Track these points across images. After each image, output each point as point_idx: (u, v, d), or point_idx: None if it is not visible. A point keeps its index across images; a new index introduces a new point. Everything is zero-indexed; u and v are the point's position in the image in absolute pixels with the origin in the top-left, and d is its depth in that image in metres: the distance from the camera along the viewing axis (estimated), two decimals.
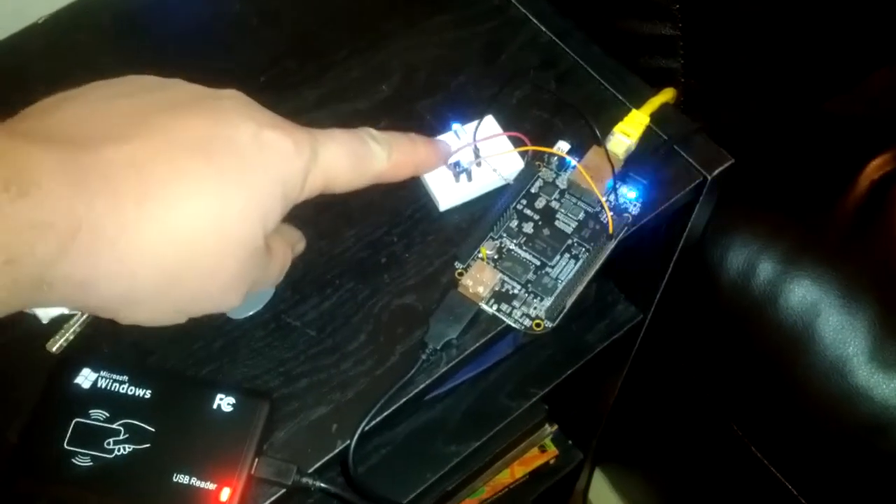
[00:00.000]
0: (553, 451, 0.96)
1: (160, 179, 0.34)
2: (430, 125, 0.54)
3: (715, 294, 0.64)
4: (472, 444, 0.62)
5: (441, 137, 0.51)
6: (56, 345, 0.45)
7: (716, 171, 0.51)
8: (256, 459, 0.42)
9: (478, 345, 0.47)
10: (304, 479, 0.42)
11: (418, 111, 0.55)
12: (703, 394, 0.72)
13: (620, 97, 0.54)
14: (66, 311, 0.45)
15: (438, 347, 0.46)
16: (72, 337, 0.45)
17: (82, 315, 0.46)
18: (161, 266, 0.34)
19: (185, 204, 0.34)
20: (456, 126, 0.52)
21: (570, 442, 0.97)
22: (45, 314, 0.45)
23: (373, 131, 0.42)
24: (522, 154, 0.51)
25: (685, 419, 0.79)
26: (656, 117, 0.52)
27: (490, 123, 0.52)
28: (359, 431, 0.44)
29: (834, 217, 0.62)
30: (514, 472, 0.94)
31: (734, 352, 0.66)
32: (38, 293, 0.32)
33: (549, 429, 0.93)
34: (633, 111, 0.52)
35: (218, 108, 0.37)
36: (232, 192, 0.35)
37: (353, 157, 0.40)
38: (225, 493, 0.41)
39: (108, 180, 0.32)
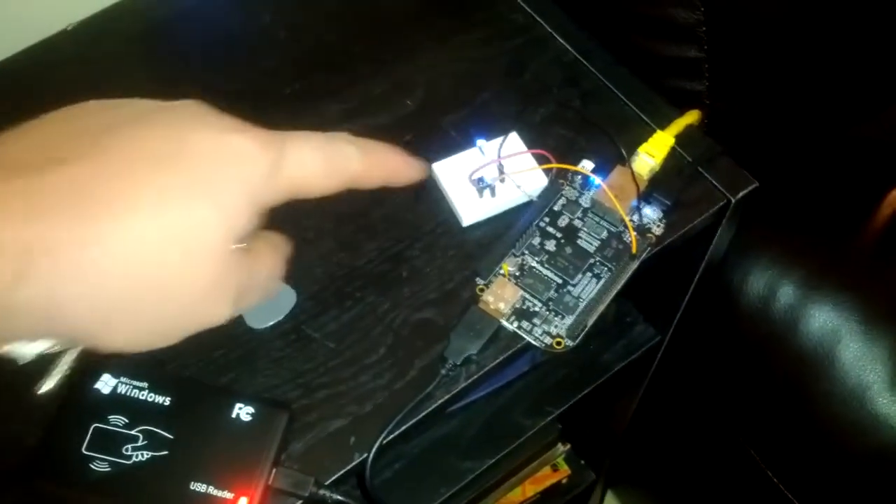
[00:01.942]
0: (565, 470, 0.96)
1: (120, 193, 0.32)
2: (453, 141, 0.54)
3: (734, 317, 0.64)
4: (486, 461, 0.62)
5: (465, 153, 0.52)
6: (44, 387, 0.44)
7: (740, 194, 0.51)
8: (274, 470, 0.42)
9: (497, 361, 0.47)
10: (321, 492, 0.42)
11: (442, 126, 0.55)
12: (719, 417, 0.72)
13: (645, 118, 0.54)
14: (47, 348, 0.44)
15: (458, 363, 0.46)
16: (59, 376, 0.44)
17: (70, 353, 0.45)
18: (128, 280, 0.33)
19: (149, 214, 0.33)
20: (480, 142, 0.52)
21: (582, 462, 0.97)
22: (27, 352, 0.43)
23: (347, 135, 0.41)
24: (546, 172, 0.51)
25: (701, 442, 0.78)
26: (681, 139, 0.52)
27: (514, 140, 0.52)
28: (377, 445, 0.43)
29: (856, 243, 0.62)
30: (525, 490, 0.94)
31: (752, 376, 0.65)
32: (5, 322, 0.31)
33: (561, 448, 0.93)
34: (658, 132, 0.52)
35: (175, 118, 0.36)
36: (196, 197, 0.34)
37: (324, 158, 0.39)
38: (242, 503, 0.41)
39: (60, 200, 0.31)
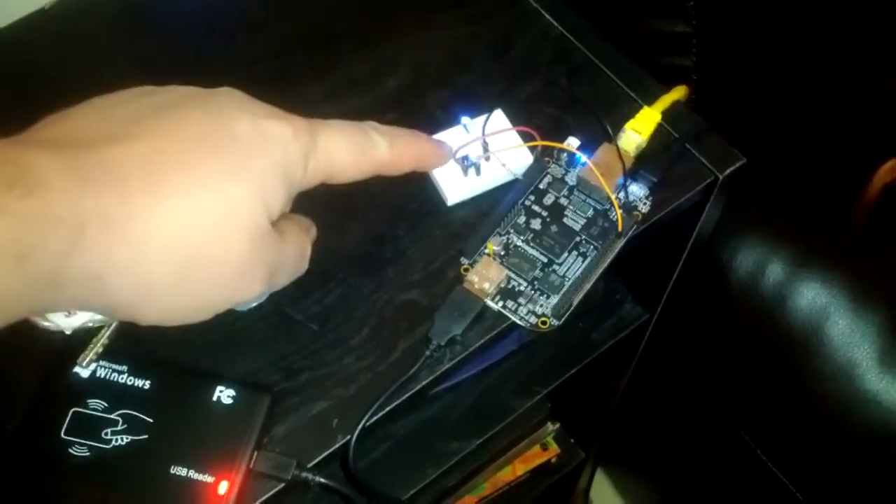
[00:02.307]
0: (555, 449, 0.96)
1: (166, 172, 0.34)
2: (438, 119, 0.53)
3: (724, 295, 0.64)
4: (473, 442, 0.62)
5: (449, 131, 0.51)
6: (86, 360, 0.44)
7: (727, 171, 0.51)
8: (256, 453, 0.42)
9: (482, 341, 0.46)
10: (304, 474, 0.42)
11: (427, 105, 0.54)
12: (708, 395, 0.72)
13: (632, 94, 0.53)
14: (89, 320, 0.44)
15: (443, 343, 0.45)
16: (101, 349, 0.44)
17: (108, 326, 0.45)
18: (173, 254, 0.35)
19: (192, 193, 0.35)
20: (465, 119, 0.51)
21: (572, 441, 0.97)
22: (69, 324, 0.44)
23: (375, 124, 0.43)
24: (532, 149, 0.51)
25: (690, 421, 0.78)
26: (668, 115, 0.51)
27: (499, 118, 0.52)
28: (359, 428, 0.43)
29: (845, 220, 0.62)
30: (515, 469, 0.94)
31: (741, 354, 0.65)
32: (54, 291, 0.32)
33: (551, 427, 0.93)
34: (645, 108, 0.51)
35: (214, 104, 0.38)
36: (235, 179, 0.36)
37: (354, 146, 0.41)
38: (223, 487, 0.40)
39: (113, 176, 0.33)
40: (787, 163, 0.65)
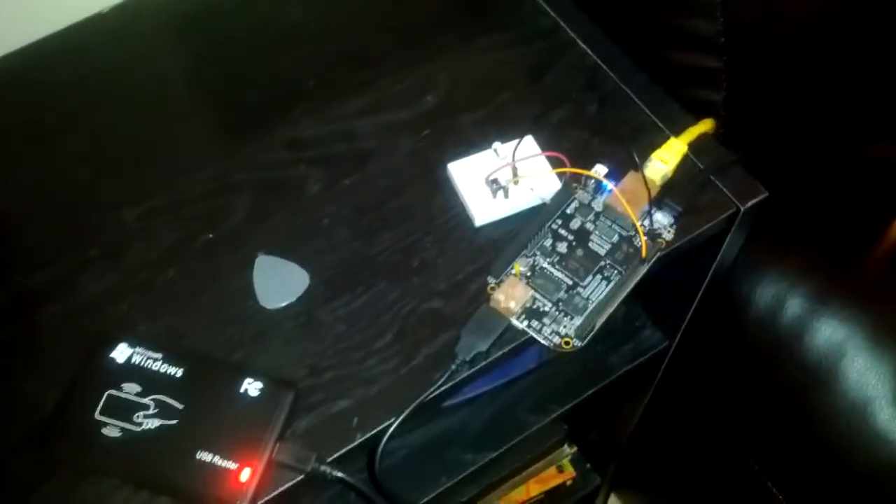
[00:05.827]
0: (570, 472, 0.96)
1: None
2: (471, 138, 0.55)
3: (742, 327, 0.65)
4: (488, 455, 0.63)
5: (480, 154, 0.53)
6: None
7: (749, 203, 0.52)
8: (278, 444, 0.43)
9: (501, 353, 0.48)
10: (323, 468, 0.43)
11: (460, 124, 0.56)
12: (723, 426, 0.72)
13: (660, 124, 0.55)
14: None
15: (468, 359, 0.47)
16: None
17: None
18: None
19: None
20: (496, 144, 0.53)
21: (588, 465, 0.97)
22: None
23: None
24: (560, 175, 0.52)
25: (703, 450, 0.79)
26: (694, 146, 0.53)
27: (529, 144, 0.53)
28: (387, 435, 0.45)
29: (866, 258, 0.62)
30: (529, 489, 0.94)
31: (757, 387, 0.66)
32: None
33: (567, 449, 0.93)
34: (672, 139, 0.53)
35: None
36: None
37: None
38: (245, 474, 0.42)
39: None
40: (810, 199, 0.66)
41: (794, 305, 0.62)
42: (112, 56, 0.61)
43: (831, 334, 0.60)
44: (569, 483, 0.97)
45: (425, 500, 0.61)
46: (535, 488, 0.94)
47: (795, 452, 0.64)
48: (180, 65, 0.62)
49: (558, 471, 0.96)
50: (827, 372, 0.60)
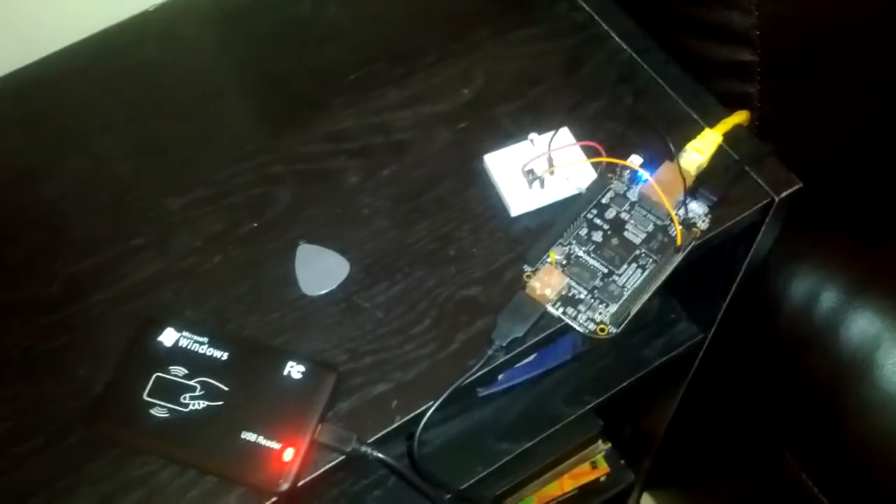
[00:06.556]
0: (604, 468, 0.96)
1: None
2: (506, 130, 0.56)
3: (777, 320, 0.65)
4: (523, 444, 0.63)
5: (517, 145, 0.54)
6: None
7: (783, 194, 0.52)
8: (320, 425, 0.45)
9: (539, 337, 0.48)
10: (363, 448, 0.44)
11: (497, 116, 0.57)
12: (756, 419, 0.72)
13: (695, 115, 0.56)
14: None
15: (504, 345, 0.48)
16: None
17: None
18: None
19: None
20: (532, 135, 0.54)
21: (622, 462, 0.97)
22: None
23: None
24: (595, 165, 0.53)
25: (737, 444, 0.79)
26: (729, 138, 0.53)
27: (565, 135, 0.54)
28: (425, 418, 0.46)
29: None
30: (563, 485, 0.95)
31: (791, 378, 0.66)
32: None
33: (602, 446, 0.93)
34: (707, 129, 0.53)
35: None
36: None
37: None
38: (288, 454, 0.43)
39: None
40: (845, 191, 0.66)
41: (829, 298, 0.62)
42: (157, 52, 0.63)
43: (867, 326, 0.60)
44: (602, 479, 0.97)
45: (461, 487, 0.61)
46: (568, 484, 0.95)
47: (831, 445, 0.64)
48: (223, 60, 0.63)
49: (592, 467, 0.96)
50: (862, 364, 0.60)
